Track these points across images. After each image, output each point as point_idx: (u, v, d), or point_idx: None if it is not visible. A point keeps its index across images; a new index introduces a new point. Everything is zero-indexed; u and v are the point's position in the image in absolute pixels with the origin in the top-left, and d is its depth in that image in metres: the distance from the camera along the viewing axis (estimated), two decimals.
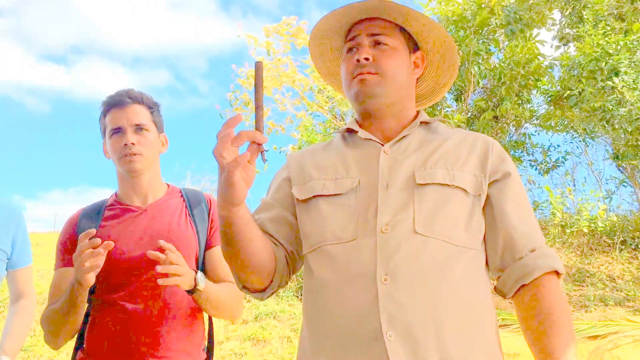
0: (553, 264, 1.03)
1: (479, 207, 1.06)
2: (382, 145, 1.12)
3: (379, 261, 0.94)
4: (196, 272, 1.45)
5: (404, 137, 1.13)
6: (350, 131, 1.19)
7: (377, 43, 1.13)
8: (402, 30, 1.17)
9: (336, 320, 0.96)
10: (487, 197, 1.08)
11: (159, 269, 1.37)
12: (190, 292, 1.45)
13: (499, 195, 1.07)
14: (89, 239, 1.34)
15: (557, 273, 1.04)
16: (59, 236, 1.63)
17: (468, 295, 0.98)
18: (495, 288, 1.10)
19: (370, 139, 1.13)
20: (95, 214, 1.61)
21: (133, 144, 1.55)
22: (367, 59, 1.11)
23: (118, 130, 1.57)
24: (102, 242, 1.42)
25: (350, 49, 1.16)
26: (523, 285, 1.03)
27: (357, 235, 1.00)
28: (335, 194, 1.07)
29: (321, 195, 1.09)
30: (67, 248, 1.58)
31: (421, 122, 1.17)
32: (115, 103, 1.59)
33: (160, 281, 1.38)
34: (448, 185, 1.04)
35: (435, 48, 1.21)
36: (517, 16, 8.02)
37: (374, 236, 0.98)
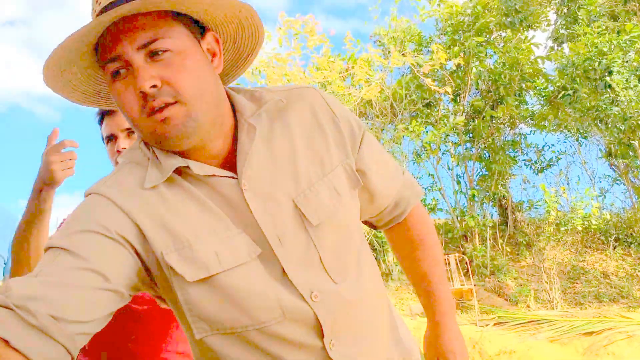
0: (418, 192, 1.07)
1: (357, 199, 0.96)
2: (233, 178, 0.85)
3: (325, 331, 0.85)
4: None
5: (247, 155, 0.85)
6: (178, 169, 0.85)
7: (153, 54, 0.79)
8: (176, 15, 0.83)
9: None
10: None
11: None
12: None
13: (363, 165, 0.96)
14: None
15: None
16: (66, 219, 1.66)
17: (385, 301, 0.99)
18: (364, 222, 1.08)
19: (214, 175, 0.84)
20: None
21: (124, 149, 1.56)
22: (154, 86, 0.77)
23: (111, 138, 1.59)
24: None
25: (116, 73, 0.80)
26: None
27: (283, 313, 0.83)
28: (237, 265, 0.83)
29: (219, 273, 0.82)
30: None
31: (249, 124, 0.88)
32: (105, 111, 1.61)
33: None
34: (338, 206, 0.89)
35: (227, 20, 0.91)
36: (514, 9, 8.11)
37: (306, 305, 0.84)
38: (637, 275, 8.06)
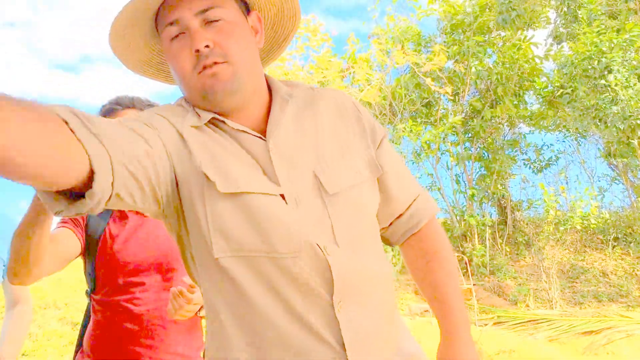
0: (434, 208, 1.09)
1: (377, 188, 1.01)
2: (261, 138, 0.92)
3: (335, 287, 0.87)
4: None
5: (278, 121, 0.94)
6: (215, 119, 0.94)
7: (209, 21, 0.89)
8: None
9: (283, 341, 0.87)
10: None
11: (176, 316, 1.38)
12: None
13: (382, 163, 1.02)
14: None
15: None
16: None
17: (391, 286, 0.99)
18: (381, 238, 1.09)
19: (246, 132, 0.92)
20: (105, 212, 1.62)
21: None
22: (207, 47, 0.87)
23: None
24: (109, 242, 1.44)
25: (175, 36, 0.90)
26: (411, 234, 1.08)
27: (299, 251, 0.87)
28: (266, 193, 0.88)
29: (249, 193, 0.88)
30: (73, 221, 1.58)
31: (282, 99, 0.98)
32: (106, 112, 1.61)
33: (177, 316, 1.38)
34: (356, 185, 0.95)
35: (270, 3, 1.01)
36: (510, 6, 8.11)
37: (315, 256, 0.87)
38: (636, 274, 8.06)
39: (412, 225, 1.07)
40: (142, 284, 1.52)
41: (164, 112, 0.92)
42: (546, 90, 9.03)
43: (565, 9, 9.08)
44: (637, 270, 8.13)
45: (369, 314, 0.92)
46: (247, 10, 0.98)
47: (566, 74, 8.18)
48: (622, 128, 7.61)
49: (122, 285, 1.52)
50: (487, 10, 8.43)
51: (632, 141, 8.08)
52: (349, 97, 1.04)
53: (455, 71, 8.44)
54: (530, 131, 10.20)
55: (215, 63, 0.88)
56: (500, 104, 8.90)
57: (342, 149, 0.97)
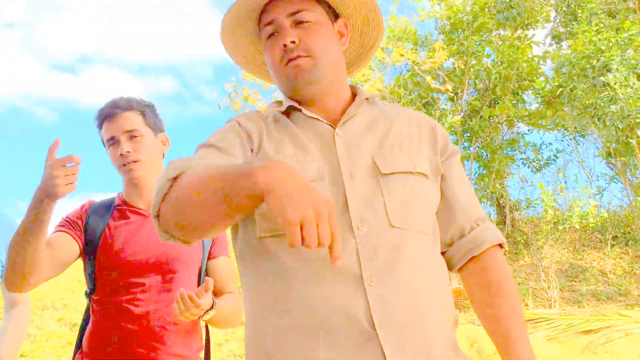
0: (499, 236, 1.08)
1: (437, 190, 1.07)
2: (331, 126, 1.05)
3: (363, 262, 0.90)
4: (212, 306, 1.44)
5: (351, 116, 1.07)
6: (289, 109, 1.09)
7: (298, 22, 1.05)
8: (320, 0, 1.10)
9: (318, 315, 0.89)
10: (441, 176, 1.09)
11: (181, 318, 1.36)
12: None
13: (448, 175, 1.08)
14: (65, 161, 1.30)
15: (500, 246, 1.08)
16: (67, 215, 1.63)
17: (440, 282, 0.99)
18: None
19: (318, 119, 1.06)
20: (105, 212, 1.61)
21: (128, 152, 1.56)
22: (293, 42, 1.03)
23: (113, 141, 1.59)
24: (109, 242, 1.46)
25: (270, 35, 1.07)
26: (471, 258, 1.06)
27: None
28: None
29: None
30: (70, 224, 1.58)
31: (361, 100, 1.11)
32: (105, 115, 1.61)
33: (182, 317, 1.36)
34: (411, 173, 1.01)
35: (356, 12, 1.15)
36: (508, 4, 8.10)
37: (350, 232, 0.92)
38: (635, 273, 8.07)
39: (474, 246, 1.05)
40: (142, 284, 1.52)
41: (247, 118, 1.10)
42: (545, 89, 9.03)
43: (565, 7, 9.08)
44: (636, 269, 8.13)
45: (411, 296, 0.91)
46: (336, 17, 1.14)
47: (565, 73, 8.18)
48: (620, 127, 7.61)
49: (122, 286, 1.51)
50: (486, 10, 8.42)
51: (631, 140, 8.08)
52: (429, 117, 1.13)
53: (454, 71, 8.44)
54: (528, 130, 10.21)
55: (299, 56, 1.04)
56: (499, 103, 8.90)
57: (406, 147, 1.05)
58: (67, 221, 1.60)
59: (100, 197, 1.71)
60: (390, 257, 0.92)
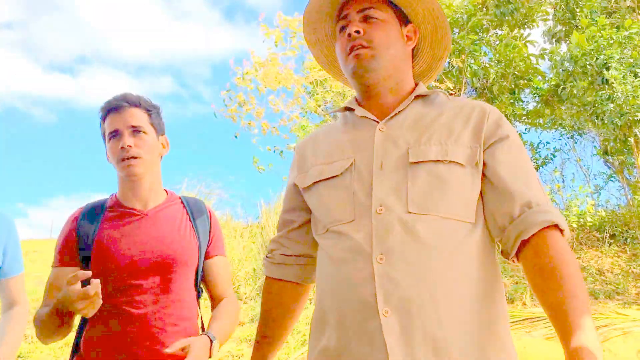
0: (552, 217, 1.00)
1: (478, 177, 1.06)
2: (378, 122, 1.15)
3: (375, 241, 0.98)
4: (210, 342, 1.43)
5: (398, 112, 1.14)
6: (348, 109, 1.23)
7: (367, 17, 1.16)
8: (392, 4, 1.20)
9: (336, 296, 1.02)
10: (484, 163, 1.07)
11: None
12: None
13: (492, 159, 1.06)
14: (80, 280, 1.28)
15: (559, 229, 1.01)
16: (59, 234, 1.61)
17: (465, 268, 0.98)
18: (502, 252, 1.07)
19: (366, 117, 1.17)
20: (96, 215, 1.59)
21: (130, 146, 1.54)
22: (357, 32, 1.13)
23: (115, 134, 1.57)
24: (105, 244, 1.48)
25: (342, 28, 1.19)
26: (524, 243, 1.00)
27: (354, 216, 1.04)
28: (331, 177, 1.12)
29: (320, 181, 1.15)
30: (66, 247, 1.57)
31: (416, 96, 1.17)
32: (112, 107, 1.59)
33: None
34: (441, 162, 1.04)
35: (425, 19, 1.22)
36: (506, 0, 8.09)
37: (369, 217, 1.02)
38: (633, 272, 8.09)
39: (524, 230, 0.99)
40: (141, 286, 1.51)
41: (298, 149, 1.31)
42: (542, 88, 9.03)
43: (563, 6, 9.08)
44: (634, 268, 8.15)
45: (420, 276, 0.94)
46: (407, 22, 1.22)
47: (563, 71, 8.18)
48: (619, 125, 7.62)
49: (121, 288, 1.50)
50: (483, 9, 8.42)
51: (629, 138, 8.09)
52: (486, 105, 1.14)
53: (451, 70, 8.44)
54: (526, 129, 10.22)
55: (361, 46, 1.13)
56: (496, 102, 8.91)
57: (443, 137, 1.09)
58: (60, 250, 1.59)
59: (96, 197, 1.69)
60: (403, 238, 0.97)
